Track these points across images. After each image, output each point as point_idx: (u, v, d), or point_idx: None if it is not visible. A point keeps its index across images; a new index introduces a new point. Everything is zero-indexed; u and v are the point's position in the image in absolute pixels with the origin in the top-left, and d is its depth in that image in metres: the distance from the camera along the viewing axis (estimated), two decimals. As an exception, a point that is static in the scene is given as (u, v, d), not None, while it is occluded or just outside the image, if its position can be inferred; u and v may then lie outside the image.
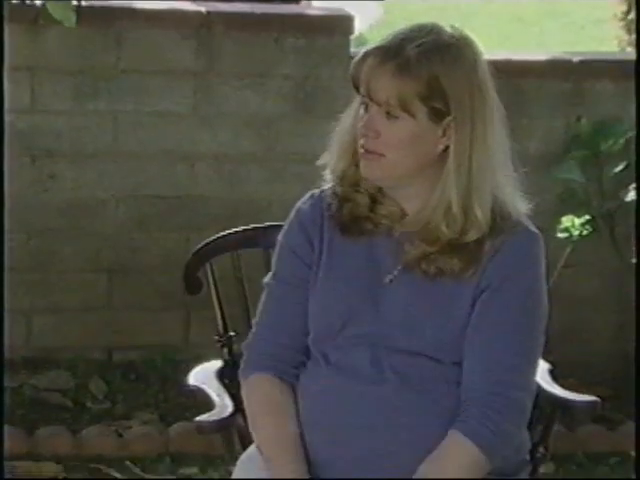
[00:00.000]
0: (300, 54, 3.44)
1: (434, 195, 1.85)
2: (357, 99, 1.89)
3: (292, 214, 1.99)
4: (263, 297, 2.00)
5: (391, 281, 1.92)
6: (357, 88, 1.85)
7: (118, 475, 2.96)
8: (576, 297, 3.48)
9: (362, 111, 1.85)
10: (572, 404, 2.09)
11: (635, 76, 3.10)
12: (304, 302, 1.94)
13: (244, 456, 1.99)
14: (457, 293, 1.88)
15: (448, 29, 1.86)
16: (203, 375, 2.18)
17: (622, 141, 3.42)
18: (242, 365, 2.00)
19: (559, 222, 3.31)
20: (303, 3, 5.67)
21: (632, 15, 4.97)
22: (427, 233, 1.87)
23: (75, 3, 3.08)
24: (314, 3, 5.89)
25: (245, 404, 2.02)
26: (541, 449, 2.09)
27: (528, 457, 2.02)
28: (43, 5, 3.05)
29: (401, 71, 1.78)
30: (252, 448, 2.00)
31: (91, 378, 3.45)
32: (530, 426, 2.01)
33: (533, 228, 1.91)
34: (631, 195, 3.35)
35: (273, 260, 2.01)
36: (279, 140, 3.38)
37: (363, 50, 1.85)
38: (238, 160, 3.53)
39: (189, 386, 2.12)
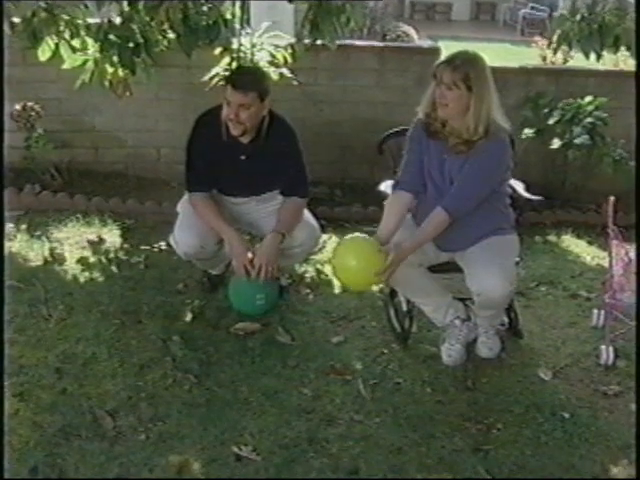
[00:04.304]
0: (418, 63, 5.03)
1: (464, 121, 2.69)
2: (432, 83, 2.75)
3: (411, 127, 2.91)
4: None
5: (446, 157, 2.82)
6: (434, 78, 2.73)
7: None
8: (529, 163, 4.82)
9: (437, 89, 2.71)
10: (531, 200, 3.09)
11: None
12: (423, 161, 2.83)
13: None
14: (465, 162, 2.73)
15: (471, 51, 2.75)
16: (385, 185, 3.27)
17: (547, 101, 5.04)
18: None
19: (522, 132, 4.88)
20: (419, 42, 7.53)
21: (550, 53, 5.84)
22: (458, 135, 2.74)
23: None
24: (421, 42, 7.46)
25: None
26: (520, 218, 3.04)
27: (514, 224, 2.93)
28: (314, 42, 3.91)
29: (454, 71, 2.65)
30: None
31: (335, 189, 5.15)
32: (515, 210, 2.97)
33: (504, 136, 2.70)
34: (550, 121, 4.78)
35: (405, 146, 2.92)
36: (407, 98, 4.21)
37: (438, 62, 2.75)
38: (391, 105, 5.07)
39: (379, 189, 3.27)
